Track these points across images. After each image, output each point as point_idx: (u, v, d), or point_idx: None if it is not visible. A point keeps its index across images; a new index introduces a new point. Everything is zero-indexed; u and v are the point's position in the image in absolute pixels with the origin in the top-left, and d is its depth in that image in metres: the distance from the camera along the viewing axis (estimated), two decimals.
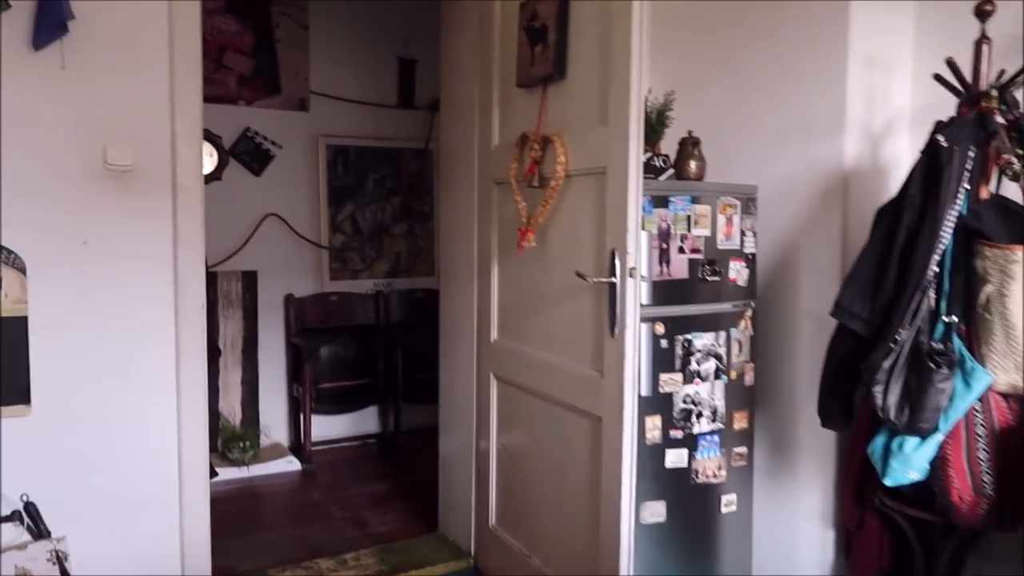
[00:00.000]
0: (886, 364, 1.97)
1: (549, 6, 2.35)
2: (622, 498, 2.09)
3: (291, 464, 4.10)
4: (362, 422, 4.63)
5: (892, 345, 1.97)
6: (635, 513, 2.20)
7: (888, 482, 2.03)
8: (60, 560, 2.15)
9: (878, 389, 1.98)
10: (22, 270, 2.23)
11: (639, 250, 2.06)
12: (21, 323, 2.23)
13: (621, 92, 2.03)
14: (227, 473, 3.88)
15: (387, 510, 3.61)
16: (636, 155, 2.02)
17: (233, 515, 3.46)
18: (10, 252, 2.21)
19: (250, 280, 4.25)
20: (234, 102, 4.14)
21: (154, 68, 2.36)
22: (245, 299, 4.23)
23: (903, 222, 1.98)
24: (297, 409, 4.39)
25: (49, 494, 2.19)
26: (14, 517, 2.01)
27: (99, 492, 2.36)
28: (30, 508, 2.14)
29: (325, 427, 4.45)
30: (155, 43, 2.36)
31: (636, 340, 2.06)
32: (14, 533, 2.14)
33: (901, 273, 1.98)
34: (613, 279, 2.07)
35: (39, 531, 2.15)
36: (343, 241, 4.58)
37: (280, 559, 3.08)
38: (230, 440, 3.98)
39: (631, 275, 2.04)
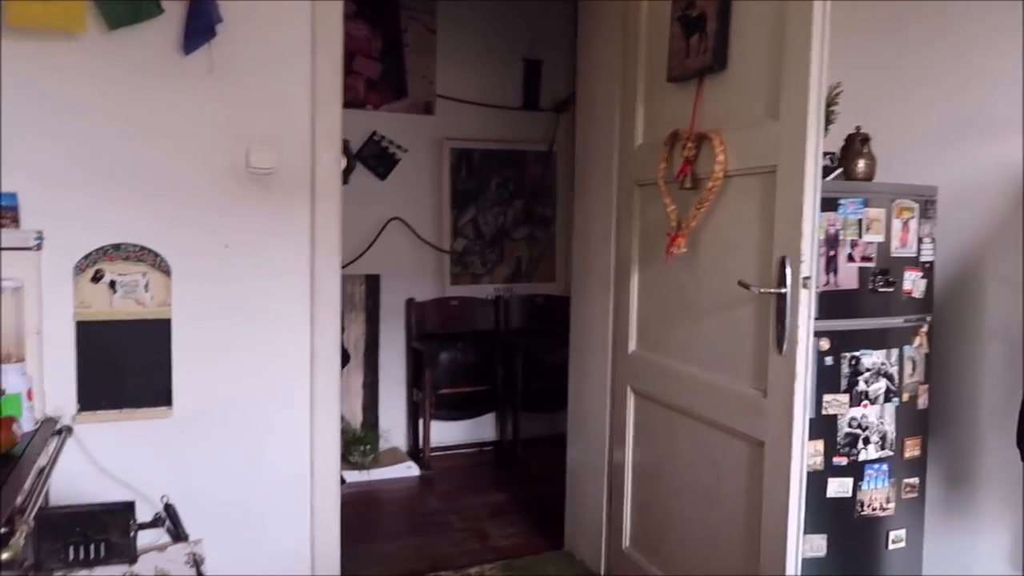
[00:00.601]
0: None
1: None
2: (788, 531, 1.88)
3: (410, 469, 4.06)
4: (480, 429, 4.55)
5: None
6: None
7: None
8: (197, 563, 2.12)
9: None
10: (167, 272, 2.24)
11: (813, 258, 1.85)
12: (165, 325, 2.24)
13: (798, 83, 1.83)
14: (348, 476, 3.87)
15: (508, 522, 3.50)
16: (815, 153, 1.81)
17: (354, 520, 3.42)
18: (156, 254, 2.23)
19: (373, 284, 4.24)
20: (362, 106, 4.15)
21: (296, 73, 2.34)
22: (368, 303, 4.22)
23: None
24: (416, 414, 4.35)
25: (188, 496, 2.18)
26: (158, 522, 2.00)
27: (235, 496, 2.35)
28: (170, 510, 2.13)
29: (443, 433, 4.39)
30: (298, 48, 2.33)
31: (808, 358, 1.85)
32: (154, 535, 2.14)
33: None
34: (783, 289, 1.87)
35: (178, 533, 2.14)
36: (465, 245, 4.52)
37: (402, 569, 3.02)
38: (351, 443, 3.97)
39: (805, 286, 1.83)
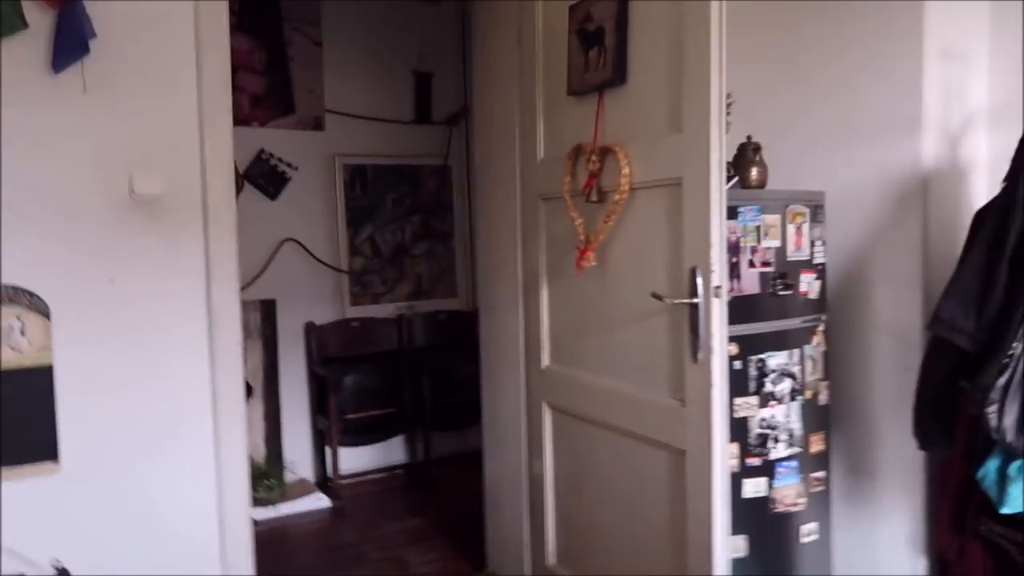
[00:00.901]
0: (1000, 382, 1.81)
1: (606, 7, 2.19)
2: (714, 537, 1.91)
3: (320, 501, 3.91)
4: (389, 452, 4.44)
5: (1006, 360, 1.81)
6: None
7: (1006, 510, 1.86)
8: None
9: (992, 410, 1.82)
10: (46, 314, 2.05)
11: (723, 267, 1.89)
12: (46, 372, 2.05)
13: (699, 95, 1.87)
14: (255, 514, 3.67)
15: (427, 548, 3.42)
16: (719, 164, 1.85)
17: (267, 560, 3.25)
18: (31, 294, 2.03)
19: (269, 309, 4.07)
20: (248, 123, 3.98)
21: (181, 90, 2.20)
22: (264, 329, 4.04)
23: (1013, 223, 1.82)
24: (322, 442, 4.20)
25: (83, 556, 2.01)
26: None
27: (137, 549, 2.17)
28: (64, 575, 1.95)
29: (352, 459, 4.25)
30: (182, 63, 2.19)
31: (724, 366, 1.89)
32: None
33: (1013, 280, 1.82)
34: (695, 300, 1.90)
35: None
36: (363, 264, 4.41)
37: None
38: (256, 479, 3.77)
39: (716, 295, 1.87)
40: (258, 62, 4.04)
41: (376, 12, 4.36)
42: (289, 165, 4.16)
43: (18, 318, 2.02)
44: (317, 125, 4.24)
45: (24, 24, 1.95)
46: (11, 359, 2.01)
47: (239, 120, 3.90)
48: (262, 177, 4.07)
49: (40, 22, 1.98)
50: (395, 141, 4.45)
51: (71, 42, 1.99)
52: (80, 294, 2.09)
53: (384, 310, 4.45)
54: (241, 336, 2.32)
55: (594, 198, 2.25)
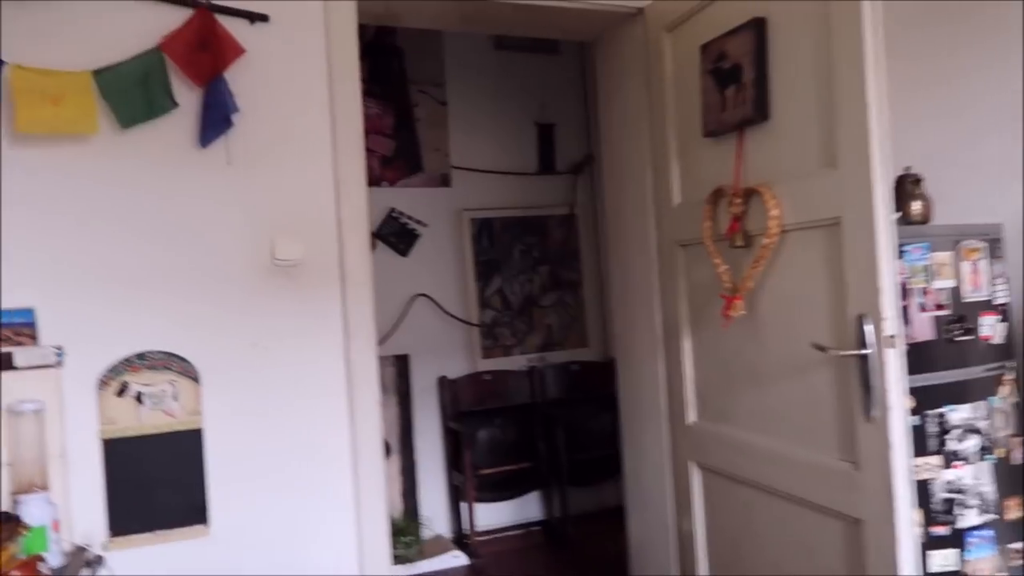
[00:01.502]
0: None
1: (741, 42, 2.07)
2: None
3: (457, 559, 3.83)
4: (525, 509, 4.33)
5: None
6: None
7: None
8: None
9: None
10: (195, 379, 2.11)
11: (896, 314, 1.69)
12: (196, 436, 2.10)
13: (856, 127, 1.71)
14: (394, 571, 3.64)
15: None
16: (884, 200, 1.67)
17: None
18: (182, 360, 2.10)
19: (403, 364, 4.10)
20: (378, 184, 4.08)
21: (318, 158, 2.25)
22: (399, 384, 4.07)
23: None
24: (458, 497, 4.15)
25: None
26: None
27: None
28: None
29: (487, 515, 4.17)
30: (318, 132, 2.25)
31: (904, 424, 1.68)
32: None
33: None
34: (864, 351, 1.71)
35: None
36: (493, 317, 4.38)
37: None
38: (394, 535, 3.74)
39: (891, 345, 1.67)
40: (387, 125, 4.16)
41: (497, 68, 4.41)
42: (419, 222, 4.23)
43: (171, 383, 2.09)
44: (444, 182, 4.30)
45: (174, 104, 2.05)
46: (164, 423, 2.08)
47: (370, 181, 3.99)
48: (393, 235, 4.15)
49: (187, 100, 2.08)
50: (520, 193, 4.44)
51: (216, 117, 2.08)
52: (226, 358, 2.14)
53: (515, 362, 4.39)
54: (379, 396, 2.31)
55: (739, 243, 2.11)
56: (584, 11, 2.64)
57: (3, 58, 1.87)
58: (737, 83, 2.10)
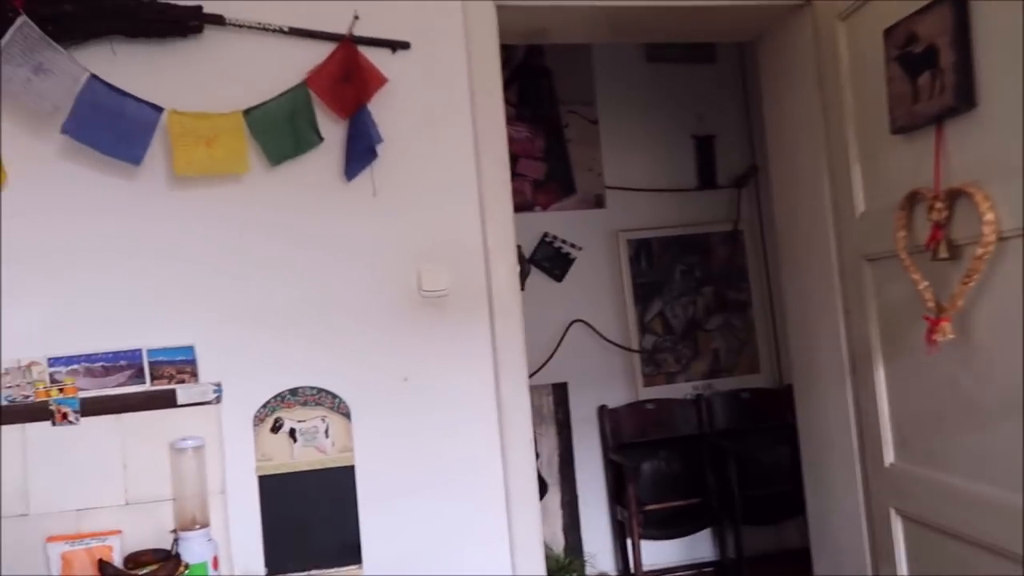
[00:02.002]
0: None
1: (936, 21, 1.77)
2: None
3: None
4: (696, 548, 4.03)
5: None
6: None
7: None
8: None
9: None
10: (346, 414, 2.07)
11: None
12: (348, 473, 2.06)
13: None
14: None
15: None
16: None
17: None
18: (333, 396, 2.06)
19: (560, 393, 3.96)
20: (530, 208, 4.00)
21: (462, 185, 2.17)
22: (557, 414, 3.93)
23: None
24: (622, 533, 3.93)
25: None
26: None
27: None
28: None
29: (655, 554, 3.92)
30: (462, 160, 2.17)
31: None
32: None
33: None
34: None
35: None
36: (654, 342, 4.15)
37: None
38: (556, 572, 3.60)
39: None
40: (538, 148, 4.08)
41: (649, 81, 4.22)
42: (573, 246, 4.10)
43: (322, 419, 2.06)
44: (598, 203, 4.15)
45: (320, 138, 2.04)
46: (316, 460, 2.05)
47: (522, 206, 3.96)
48: (547, 260, 4.04)
49: (332, 133, 2.06)
50: (679, 210, 4.20)
51: (360, 149, 2.05)
52: (376, 392, 2.09)
53: (680, 390, 4.13)
54: (532, 432, 2.18)
55: (943, 254, 1.79)
56: (744, 8, 2.41)
57: (161, 104, 1.93)
58: (932, 68, 1.80)
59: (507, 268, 2.18)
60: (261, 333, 2.04)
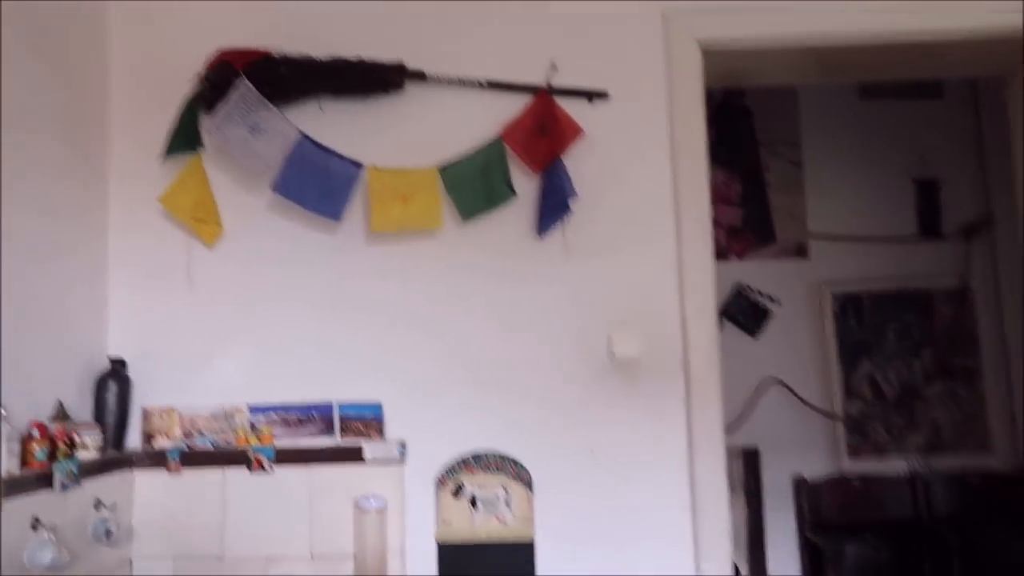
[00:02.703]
0: None
1: None
2: None
3: None
4: None
5: None
6: None
7: None
8: None
9: None
10: (528, 484, 1.96)
11: None
12: (527, 549, 1.94)
13: None
14: None
15: None
16: None
17: None
18: (515, 463, 1.97)
19: (751, 459, 3.63)
20: (724, 257, 3.74)
21: (659, 242, 2.03)
22: (747, 482, 3.61)
23: None
24: None
25: None
26: None
27: None
28: None
29: None
30: (660, 214, 2.03)
31: None
32: None
33: None
34: None
35: None
36: (861, 408, 3.73)
37: None
38: None
39: None
40: (734, 192, 3.83)
41: (862, 120, 3.84)
42: (770, 298, 3.78)
43: (503, 487, 1.97)
44: (800, 252, 3.81)
45: (513, 193, 1.97)
46: (495, 530, 1.95)
47: (716, 254, 3.72)
48: (741, 314, 3.76)
49: (525, 187, 1.99)
50: (894, 263, 3.76)
51: (554, 204, 1.96)
52: (559, 463, 1.97)
53: (892, 466, 3.66)
54: (729, 521, 1.96)
55: None
56: (984, 42, 2.09)
57: (362, 160, 1.95)
58: None
59: (706, 335, 2.00)
60: (447, 393, 1.99)
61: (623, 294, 2.02)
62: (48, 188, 1.83)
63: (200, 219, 1.95)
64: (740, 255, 3.81)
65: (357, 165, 1.93)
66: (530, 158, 1.97)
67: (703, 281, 2.01)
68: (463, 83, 2.01)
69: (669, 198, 2.03)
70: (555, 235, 2.00)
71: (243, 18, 2.06)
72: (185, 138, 1.93)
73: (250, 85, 1.87)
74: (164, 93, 2.02)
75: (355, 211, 1.99)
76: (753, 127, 3.85)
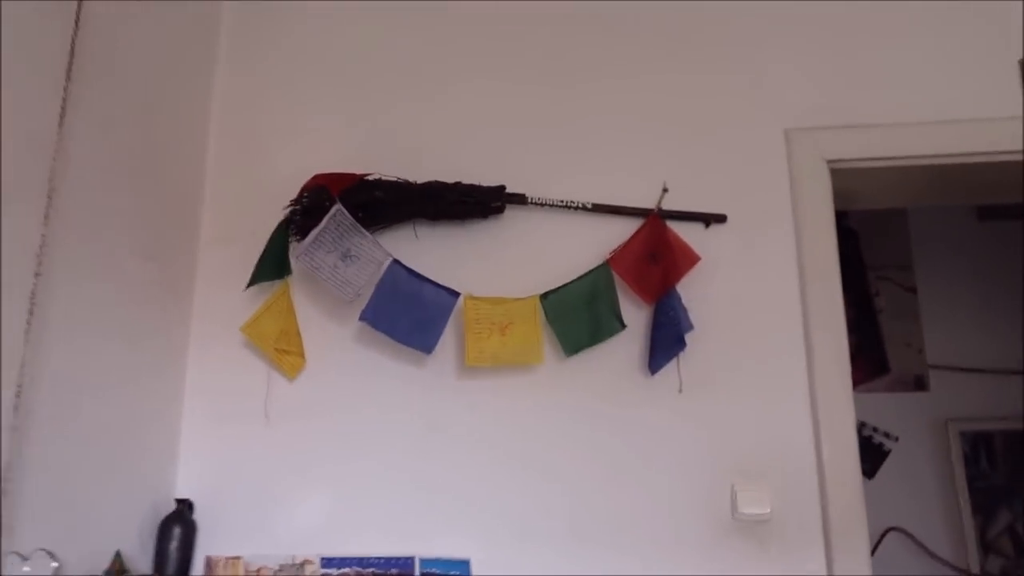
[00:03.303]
0: None
1: None
2: None
3: None
4: None
5: None
6: None
7: None
8: None
9: None
10: None
11: None
12: None
13: None
14: None
15: None
16: None
17: None
18: None
19: None
20: None
21: (788, 381, 1.79)
22: None
23: None
24: None
25: None
26: None
27: None
28: None
29: None
30: (788, 350, 1.81)
31: None
32: None
33: None
34: None
35: None
36: (1002, 565, 3.25)
37: None
38: None
39: None
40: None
41: (982, 242, 3.55)
42: (887, 435, 3.42)
43: None
44: (919, 384, 3.47)
45: (622, 326, 1.78)
46: None
47: None
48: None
49: (634, 319, 1.80)
50: None
51: (667, 339, 1.76)
52: None
53: None
54: None
55: None
56: None
57: (457, 287, 1.80)
58: None
59: (850, 488, 1.73)
60: (544, 551, 1.75)
61: (748, 438, 1.77)
62: (131, 313, 1.73)
63: (283, 350, 1.82)
64: (852, 387, 3.48)
65: (453, 294, 1.78)
66: (640, 287, 1.79)
67: (842, 421, 1.76)
68: (567, 206, 1.86)
69: (798, 327, 1.81)
70: (669, 371, 1.79)
71: (343, 145, 1.99)
72: (273, 264, 1.82)
73: (343, 210, 1.77)
74: (256, 220, 1.92)
75: (448, 341, 1.82)
76: (860, 249, 3.61)
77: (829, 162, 1.87)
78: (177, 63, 1.95)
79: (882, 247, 3.61)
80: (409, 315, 1.75)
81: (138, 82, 1.76)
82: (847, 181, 2.09)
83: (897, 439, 3.42)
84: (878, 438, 3.43)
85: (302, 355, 1.84)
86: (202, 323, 1.92)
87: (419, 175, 1.90)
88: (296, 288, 1.89)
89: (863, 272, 3.61)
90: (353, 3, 2.10)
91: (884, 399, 3.46)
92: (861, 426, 3.40)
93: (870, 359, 3.52)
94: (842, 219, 3.67)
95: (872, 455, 3.41)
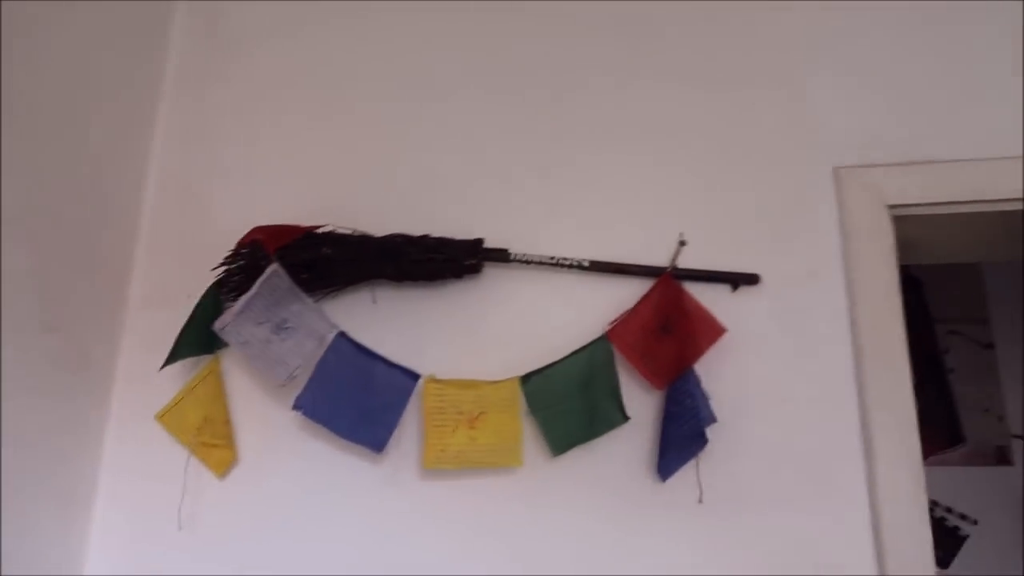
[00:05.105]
0: None
1: None
2: None
3: None
4: None
5: None
6: None
7: None
8: None
9: None
10: None
11: None
12: None
13: None
14: None
15: None
16: None
17: None
18: None
19: None
20: None
21: (842, 488, 1.40)
22: None
23: None
24: None
25: None
26: None
27: None
28: None
29: None
30: (842, 447, 1.41)
31: None
32: None
33: None
34: None
35: None
36: None
37: None
38: None
39: None
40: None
41: None
42: (963, 517, 2.96)
43: None
44: (1001, 458, 3.00)
45: (624, 417, 1.40)
46: None
47: None
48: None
49: (640, 407, 1.42)
50: None
51: (683, 434, 1.37)
52: None
53: None
54: None
55: None
56: None
57: (418, 368, 1.45)
58: None
59: None
60: None
61: (789, 562, 1.36)
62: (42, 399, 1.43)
63: (207, 443, 1.48)
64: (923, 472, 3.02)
65: (411, 376, 1.43)
66: (648, 367, 1.41)
67: (917, 539, 1.35)
68: (558, 264, 1.51)
69: (855, 421, 1.41)
70: (686, 476, 1.40)
71: (298, 191, 1.67)
72: (198, 336, 1.50)
73: (280, 270, 1.44)
74: (195, 280, 1.60)
75: (409, 429, 1.46)
76: (925, 301, 3.17)
77: (890, 207, 1.48)
78: (116, 91, 1.68)
79: (952, 297, 3.16)
80: (355, 403, 1.41)
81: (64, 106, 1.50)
82: (908, 229, 1.70)
83: (976, 522, 2.95)
84: (953, 520, 2.96)
85: (232, 448, 1.51)
86: (123, 408, 1.60)
87: (384, 226, 1.56)
88: (234, 364, 1.56)
89: (930, 326, 3.16)
90: (314, 30, 1.80)
91: (959, 474, 3.01)
92: (932, 506, 2.93)
93: (940, 427, 3.07)
94: (903, 266, 3.25)
95: (946, 541, 2.95)
